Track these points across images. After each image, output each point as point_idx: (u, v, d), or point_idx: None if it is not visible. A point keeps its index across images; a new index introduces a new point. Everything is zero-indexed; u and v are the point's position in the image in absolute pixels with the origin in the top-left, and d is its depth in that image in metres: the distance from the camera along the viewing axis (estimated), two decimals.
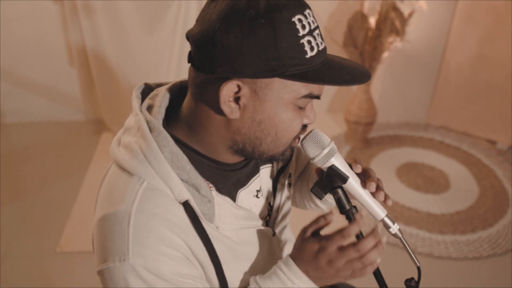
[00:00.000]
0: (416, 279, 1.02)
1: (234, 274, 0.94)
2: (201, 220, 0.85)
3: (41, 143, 3.25)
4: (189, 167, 0.84)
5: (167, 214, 0.82)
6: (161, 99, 0.89)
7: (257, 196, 1.01)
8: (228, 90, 0.79)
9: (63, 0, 2.79)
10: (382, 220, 0.93)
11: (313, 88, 0.81)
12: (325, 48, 0.82)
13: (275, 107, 0.81)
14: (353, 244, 0.86)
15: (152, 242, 0.80)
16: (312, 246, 0.88)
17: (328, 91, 3.42)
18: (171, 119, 0.89)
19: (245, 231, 0.95)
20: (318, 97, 0.85)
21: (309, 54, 0.78)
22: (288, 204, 1.08)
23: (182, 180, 0.83)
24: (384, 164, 3.09)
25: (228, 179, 0.93)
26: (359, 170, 0.91)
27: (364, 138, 3.21)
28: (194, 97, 0.86)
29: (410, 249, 0.96)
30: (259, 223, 0.98)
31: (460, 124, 3.41)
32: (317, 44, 0.79)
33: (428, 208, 2.76)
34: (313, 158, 0.90)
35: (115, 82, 2.95)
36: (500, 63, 3.05)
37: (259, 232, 0.98)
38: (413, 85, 3.35)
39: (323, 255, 0.87)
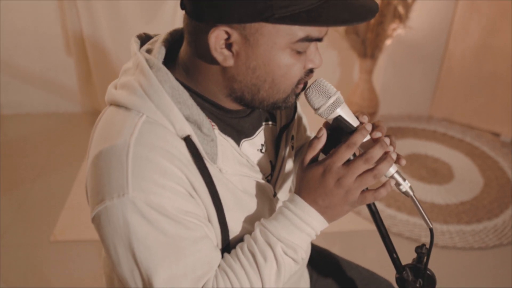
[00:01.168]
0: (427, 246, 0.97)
1: (236, 224, 0.87)
2: (204, 159, 0.79)
3: (38, 134, 3.20)
4: (191, 102, 0.78)
5: (168, 146, 0.76)
6: (160, 43, 0.85)
7: (261, 150, 0.96)
8: (217, 37, 0.74)
9: None
10: (392, 177, 0.87)
11: (311, 30, 0.75)
12: None
13: (269, 52, 0.75)
14: (360, 155, 0.80)
15: (153, 175, 0.74)
16: (316, 170, 0.82)
17: (330, 80, 3.37)
18: (170, 64, 0.84)
19: (247, 181, 0.89)
20: (319, 40, 0.79)
21: None
22: (290, 164, 1.02)
23: (183, 115, 0.78)
24: None
25: (231, 125, 0.88)
26: (365, 120, 0.85)
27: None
28: (189, 45, 0.81)
29: (422, 208, 0.90)
30: (261, 178, 0.92)
31: (463, 116, 3.35)
32: None
33: (432, 198, 2.70)
34: (318, 109, 0.85)
35: (112, 71, 2.89)
36: (504, 54, 3.00)
37: (262, 186, 0.92)
38: (416, 76, 3.30)
39: (330, 175, 0.80)
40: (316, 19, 0.72)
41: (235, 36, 0.74)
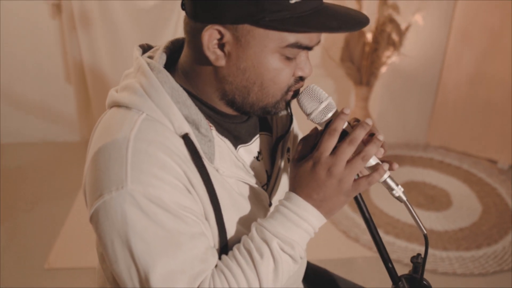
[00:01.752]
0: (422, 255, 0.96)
1: (232, 226, 0.87)
2: (202, 158, 0.80)
3: (36, 163, 3.20)
4: (190, 102, 0.81)
5: (167, 142, 0.78)
6: (162, 50, 0.88)
7: (257, 158, 0.96)
8: (210, 36, 0.77)
9: (61, 14, 2.80)
10: (385, 181, 0.87)
11: (301, 37, 0.77)
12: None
13: (259, 55, 0.78)
14: (344, 139, 0.81)
15: (152, 168, 0.75)
16: (306, 165, 0.83)
17: None
18: (171, 69, 0.87)
19: (244, 186, 0.90)
20: (309, 48, 0.81)
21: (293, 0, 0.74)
22: (285, 176, 1.03)
23: (182, 115, 0.80)
24: None
25: (228, 130, 0.89)
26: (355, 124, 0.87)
27: None
28: (188, 45, 0.84)
29: (416, 214, 0.89)
30: (257, 184, 0.92)
31: (460, 144, 3.37)
32: None
33: (430, 225, 2.68)
34: (310, 114, 0.86)
35: None
36: (499, 81, 3.04)
37: (257, 193, 0.92)
38: (412, 104, 3.33)
39: (320, 166, 0.81)
40: (305, 25, 0.75)
41: (227, 37, 0.77)
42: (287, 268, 0.83)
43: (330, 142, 0.81)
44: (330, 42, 3.09)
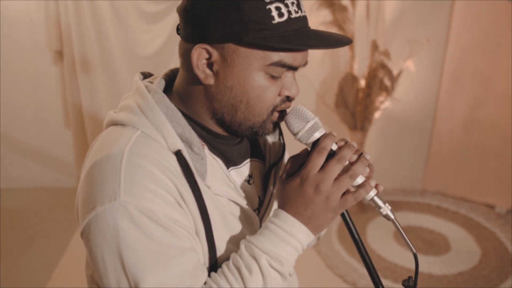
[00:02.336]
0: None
1: (222, 244, 0.86)
2: (194, 174, 0.81)
3: (33, 208, 3.22)
4: (183, 121, 0.83)
5: (160, 158, 0.79)
6: (161, 77, 0.91)
7: (248, 181, 0.97)
8: (198, 55, 0.80)
9: (63, 61, 2.88)
10: (372, 200, 0.87)
11: (284, 55, 0.80)
12: (302, 18, 0.81)
13: (244, 73, 0.80)
14: (333, 157, 0.81)
15: (144, 180, 0.76)
16: (294, 182, 0.83)
17: None
18: (168, 93, 0.90)
19: (235, 207, 0.90)
20: (293, 68, 0.83)
21: (277, 20, 0.77)
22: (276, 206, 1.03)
23: (176, 133, 0.82)
24: (380, 228, 3.00)
25: (219, 150, 0.90)
26: (342, 143, 0.88)
27: (359, 202, 3.15)
28: (182, 67, 0.87)
29: (404, 233, 0.89)
30: (249, 207, 0.92)
31: (457, 189, 3.37)
32: (288, 11, 0.79)
33: (429, 269, 2.63)
34: (297, 134, 0.87)
35: None
36: (492, 126, 3.08)
37: (248, 216, 0.92)
38: (407, 150, 3.36)
39: (308, 183, 0.81)
40: (286, 42, 0.78)
41: (215, 56, 0.80)
42: (276, 284, 0.82)
43: (318, 160, 0.82)
44: (324, 89, 3.15)
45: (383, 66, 2.68)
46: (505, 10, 2.83)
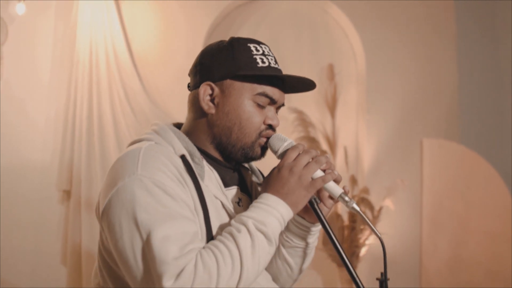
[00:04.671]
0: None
1: (217, 233, 1.02)
2: (195, 174, 1.04)
3: None
4: (188, 140, 1.10)
5: (169, 156, 1.03)
6: (170, 124, 1.19)
7: (238, 203, 1.16)
8: (204, 90, 1.12)
9: (69, 200, 3.11)
10: (340, 196, 1.07)
11: (267, 89, 1.11)
12: (278, 68, 1.14)
13: (238, 100, 1.10)
14: (304, 151, 1.05)
15: (157, 164, 0.99)
16: (273, 171, 1.06)
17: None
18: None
19: (227, 214, 1.09)
20: (273, 100, 1.12)
21: (260, 64, 1.11)
22: None
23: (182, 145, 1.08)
24: None
25: (216, 170, 1.13)
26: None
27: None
28: (189, 111, 1.18)
29: (369, 220, 1.06)
30: None
31: None
32: (269, 62, 1.12)
33: None
34: (277, 151, 1.12)
35: None
36: (476, 264, 3.20)
37: None
38: None
39: (284, 168, 1.04)
40: (266, 75, 1.11)
41: (216, 91, 1.11)
42: (263, 246, 0.96)
43: (293, 153, 1.06)
44: None
45: (364, 199, 2.94)
46: (466, 155, 3.22)
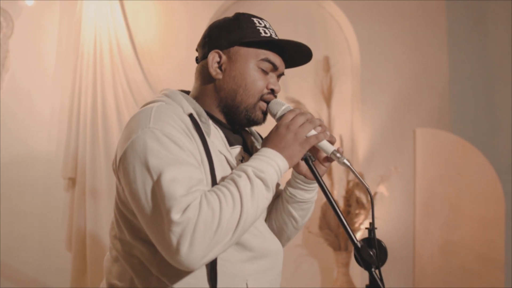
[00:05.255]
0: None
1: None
2: (202, 130, 1.15)
3: None
4: (195, 102, 1.22)
5: (178, 113, 1.15)
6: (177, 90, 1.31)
7: (241, 161, 1.28)
8: (213, 57, 1.24)
9: (74, 187, 3.21)
10: (332, 153, 1.18)
11: (269, 54, 1.24)
12: (279, 39, 1.26)
13: (243, 65, 1.22)
14: (300, 113, 1.17)
15: (168, 119, 1.11)
16: (272, 129, 1.18)
17: (313, 279, 3.53)
18: None
19: (230, 169, 1.20)
20: (275, 66, 1.24)
21: (263, 34, 1.23)
22: None
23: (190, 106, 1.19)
24: None
25: (223, 131, 1.24)
26: None
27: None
28: (196, 80, 1.30)
29: (358, 174, 1.17)
30: None
31: None
32: (270, 33, 1.25)
33: None
34: (276, 114, 1.23)
35: None
36: (467, 248, 3.31)
37: None
38: (393, 277, 3.50)
39: (282, 126, 1.16)
40: (268, 39, 1.23)
41: (223, 58, 1.23)
42: (261, 190, 1.08)
43: (290, 115, 1.18)
44: (310, 220, 3.45)
45: (358, 184, 3.05)
46: (457, 144, 3.34)
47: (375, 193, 3.20)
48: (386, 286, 3.74)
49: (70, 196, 3.27)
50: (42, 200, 3.27)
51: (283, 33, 3.82)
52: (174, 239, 0.98)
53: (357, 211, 3.11)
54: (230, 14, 3.87)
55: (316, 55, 3.65)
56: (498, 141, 3.61)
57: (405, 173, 3.44)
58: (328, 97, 3.50)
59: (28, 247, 3.30)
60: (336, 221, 3.15)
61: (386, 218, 3.38)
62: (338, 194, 3.28)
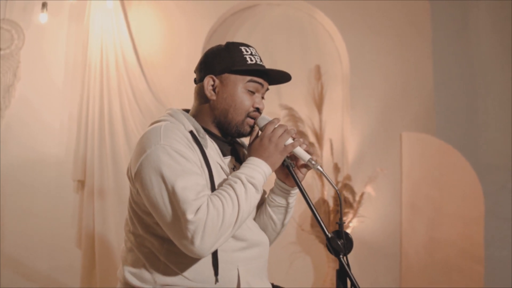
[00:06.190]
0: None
1: (219, 185, 1.37)
2: (201, 144, 1.39)
3: None
4: (194, 120, 1.46)
5: (181, 130, 1.39)
6: (179, 109, 1.54)
7: (233, 170, 1.52)
8: (208, 82, 1.47)
9: (83, 189, 3.45)
10: (308, 160, 1.42)
11: (254, 78, 1.46)
12: (263, 66, 1.49)
13: (233, 89, 1.46)
14: (279, 125, 1.41)
15: (175, 136, 1.34)
16: (256, 140, 1.43)
17: (306, 274, 3.75)
18: None
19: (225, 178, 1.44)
20: (261, 84, 1.48)
21: (249, 62, 1.46)
22: None
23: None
24: None
25: (217, 143, 1.48)
26: None
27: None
28: (195, 100, 1.53)
29: (328, 177, 1.41)
30: None
31: None
32: (255, 60, 1.48)
33: None
34: (262, 127, 1.46)
35: (115, 267, 3.33)
36: (450, 243, 3.54)
37: None
38: (380, 273, 3.73)
39: (265, 138, 1.40)
40: (254, 68, 1.46)
41: (217, 82, 1.47)
42: (253, 192, 1.33)
43: (270, 127, 1.42)
44: (303, 219, 3.69)
45: (346, 185, 3.29)
46: (440, 146, 3.57)
47: (363, 193, 3.44)
48: (374, 280, 4.06)
49: (79, 197, 3.52)
50: (53, 201, 3.52)
51: (277, 43, 4.09)
52: (189, 235, 1.23)
53: (345, 210, 3.35)
54: (227, 26, 4.14)
55: (308, 64, 3.94)
56: (479, 143, 3.83)
57: (392, 174, 3.67)
58: (319, 103, 3.74)
59: (40, 245, 3.55)
60: (326, 220, 3.39)
61: (374, 217, 3.61)
62: (328, 194, 3.51)
